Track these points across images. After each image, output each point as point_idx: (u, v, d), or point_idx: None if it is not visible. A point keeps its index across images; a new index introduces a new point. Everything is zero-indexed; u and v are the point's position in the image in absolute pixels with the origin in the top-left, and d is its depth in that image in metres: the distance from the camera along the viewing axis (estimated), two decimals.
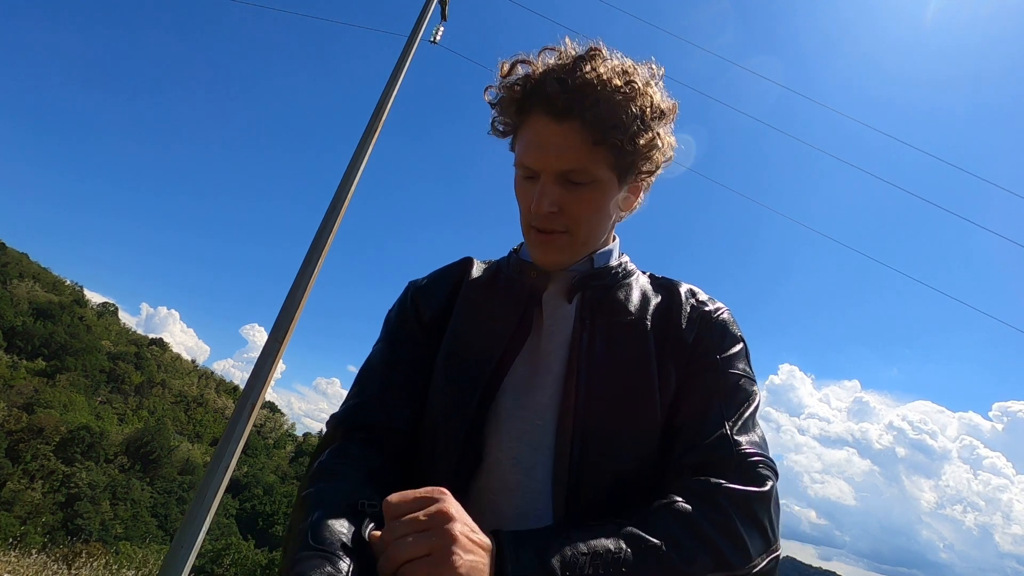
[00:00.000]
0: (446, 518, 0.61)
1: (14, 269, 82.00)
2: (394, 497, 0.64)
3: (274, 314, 5.94)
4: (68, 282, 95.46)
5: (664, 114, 0.90)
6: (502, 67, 0.92)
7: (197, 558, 5.06)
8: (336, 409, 0.94)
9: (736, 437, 0.80)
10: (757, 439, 0.81)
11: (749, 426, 0.82)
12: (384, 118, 7.01)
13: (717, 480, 0.75)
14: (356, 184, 6.57)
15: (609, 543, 0.66)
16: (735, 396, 0.85)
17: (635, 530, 0.68)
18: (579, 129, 0.83)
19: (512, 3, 10.14)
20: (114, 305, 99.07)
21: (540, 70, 0.87)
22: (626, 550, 0.66)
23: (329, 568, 0.62)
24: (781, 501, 0.79)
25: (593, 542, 0.66)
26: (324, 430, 0.92)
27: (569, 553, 0.64)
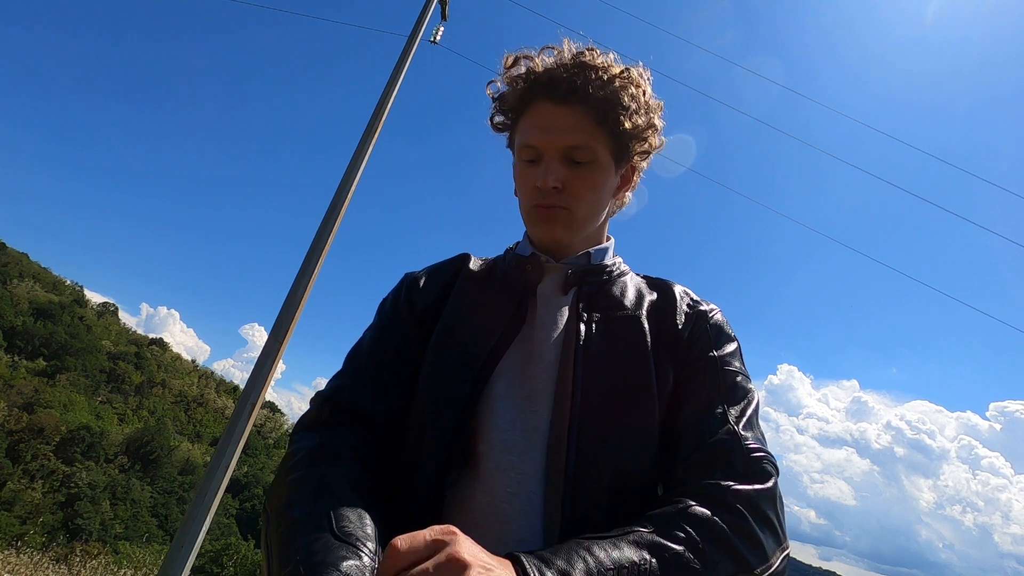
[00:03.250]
0: (460, 567, 0.55)
1: (14, 269, 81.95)
2: (401, 543, 0.57)
3: (274, 314, 5.94)
4: (68, 282, 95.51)
5: (655, 106, 0.97)
6: (505, 60, 0.98)
7: (197, 558, 5.06)
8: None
9: (743, 433, 0.81)
10: (760, 436, 0.83)
11: (754, 423, 0.84)
12: (384, 118, 7.00)
13: (727, 482, 0.74)
14: (356, 184, 6.56)
15: (633, 555, 0.64)
16: (734, 393, 0.86)
17: (657, 538, 0.67)
18: (581, 112, 0.90)
19: (512, 3, 10.15)
20: (114, 305, 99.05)
21: (541, 64, 0.94)
22: (651, 560, 0.64)
23: (357, 563, 0.60)
24: None
25: (616, 555, 0.64)
26: (309, 407, 0.91)
27: (596, 570, 0.61)
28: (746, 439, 0.80)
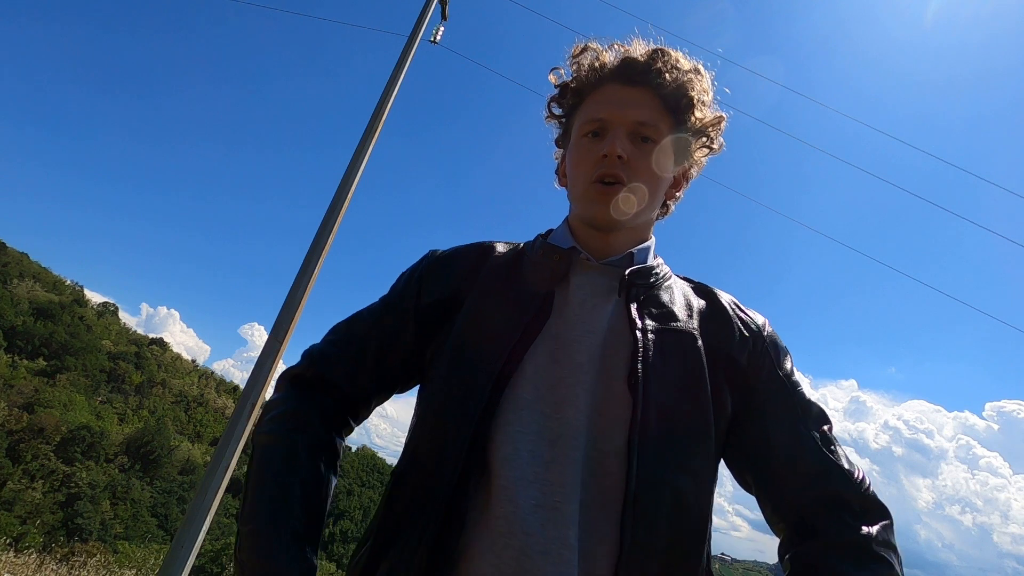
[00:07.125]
0: None
1: (14, 269, 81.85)
2: None
3: (274, 314, 5.93)
4: (68, 282, 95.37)
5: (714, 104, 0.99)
6: (574, 48, 0.99)
7: (197, 558, 5.05)
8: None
9: (845, 467, 0.85)
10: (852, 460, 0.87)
11: (841, 447, 0.87)
12: (384, 118, 6.99)
13: (862, 527, 0.80)
14: (356, 184, 6.55)
15: None
16: (810, 411, 0.89)
17: None
18: (652, 94, 0.92)
19: (512, 3, 10.14)
20: (114, 305, 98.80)
21: (612, 52, 0.96)
22: None
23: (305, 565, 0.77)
24: None
25: None
26: (300, 361, 0.98)
27: None
28: (852, 472, 0.84)
